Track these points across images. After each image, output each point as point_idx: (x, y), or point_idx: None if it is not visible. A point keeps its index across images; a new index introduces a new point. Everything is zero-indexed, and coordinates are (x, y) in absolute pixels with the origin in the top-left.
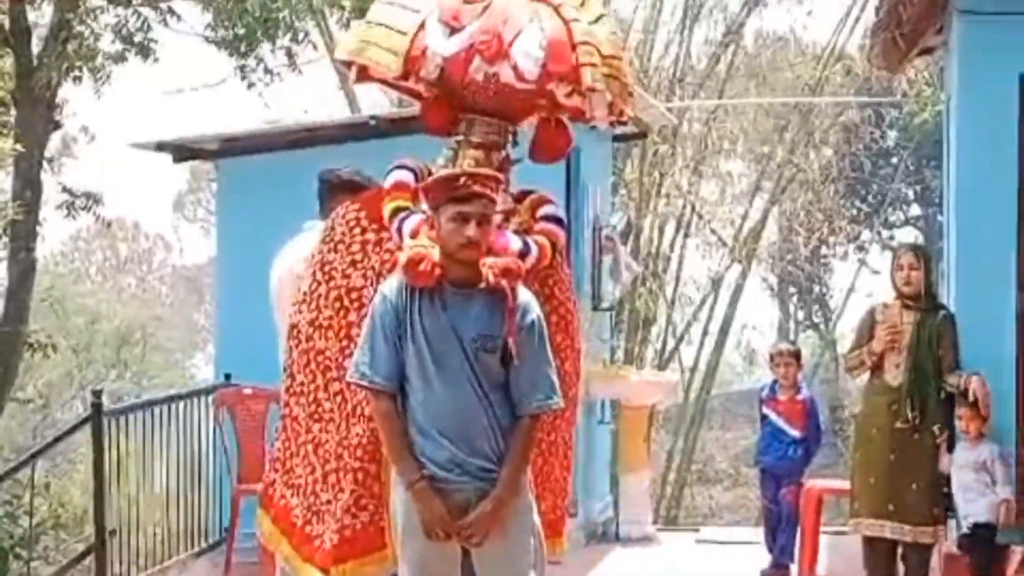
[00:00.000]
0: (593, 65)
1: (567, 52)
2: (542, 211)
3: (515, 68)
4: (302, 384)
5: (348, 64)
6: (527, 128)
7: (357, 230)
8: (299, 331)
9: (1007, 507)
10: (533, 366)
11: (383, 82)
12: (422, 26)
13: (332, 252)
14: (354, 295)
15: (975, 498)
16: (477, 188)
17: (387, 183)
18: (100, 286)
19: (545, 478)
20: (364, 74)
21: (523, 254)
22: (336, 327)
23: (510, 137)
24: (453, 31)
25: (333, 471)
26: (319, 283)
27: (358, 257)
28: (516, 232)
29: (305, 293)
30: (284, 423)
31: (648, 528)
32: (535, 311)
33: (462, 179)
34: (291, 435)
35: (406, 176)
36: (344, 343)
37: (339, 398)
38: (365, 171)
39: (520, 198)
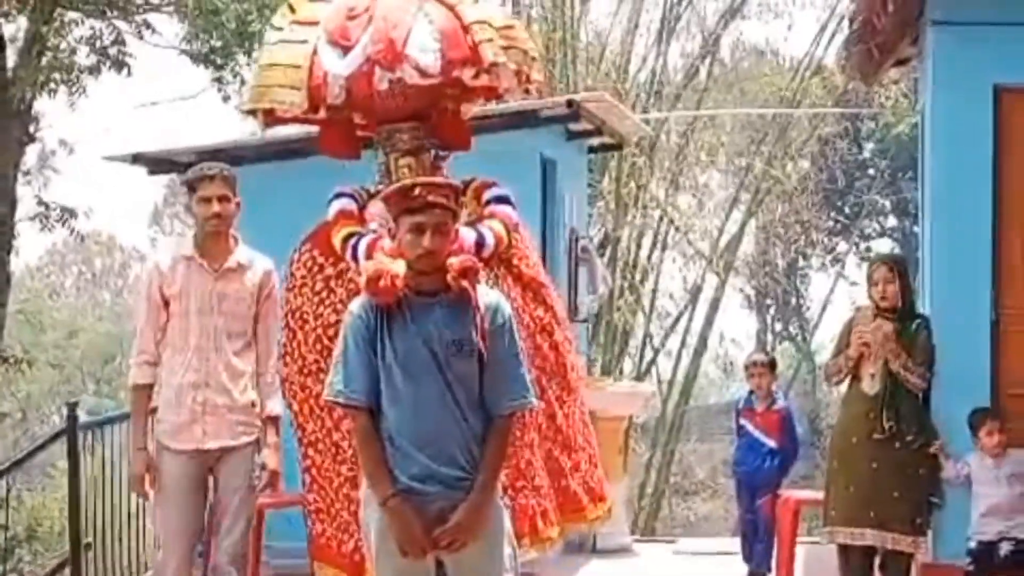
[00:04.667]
0: (490, 41)
1: (461, 36)
2: (488, 195)
3: (416, 67)
4: (315, 433)
5: (253, 113)
6: None
7: (315, 269)
8: (292, 383)
9: None
10: (506, 366)
11: (293, 120)
12: (314, 53)
13: (297, 296)
14: (332, 332)
15: (1017, 509)
16: (431, 198)
17: (330, 214)
18: (76, 300)
19: (572, 449)
20: (271, 118)
21: (479, 244)
22: (325, 368)
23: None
24: (345, 50)
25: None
26: (295, 331)
27: (324, 295)
28: (467, 224)
29: (284, 345)
30: (310, 474)
31: (625, 539)
32: (505, 311)
33: (416, 190)
34: (323, 483)
35: (347, 203)
36: None
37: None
38: (334, 184)
39: (463, 189)
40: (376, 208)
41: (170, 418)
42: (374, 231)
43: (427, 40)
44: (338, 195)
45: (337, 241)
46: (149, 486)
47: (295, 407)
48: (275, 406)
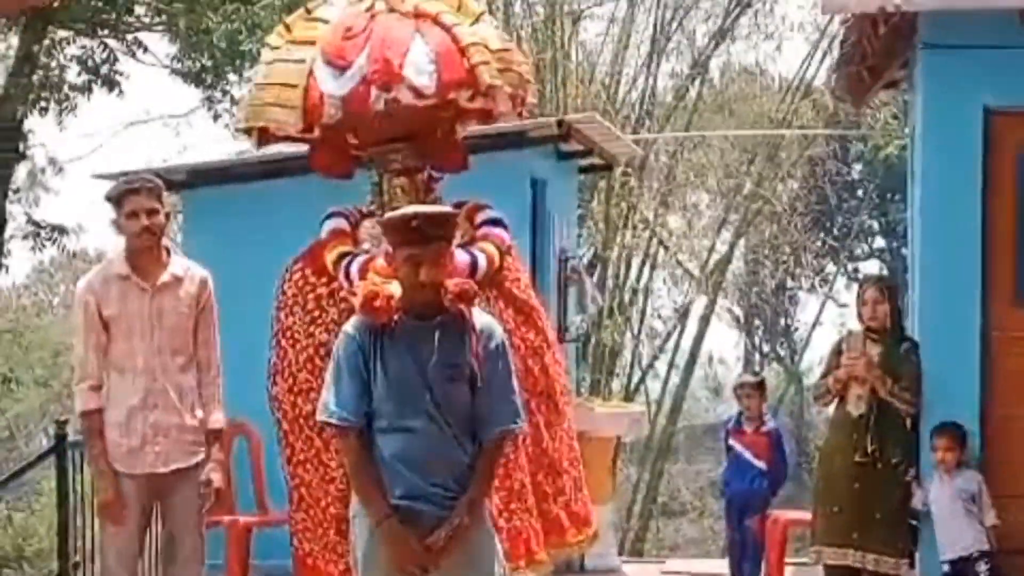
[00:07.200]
0: (486, 63)
1: (457, 58)
2: (480, 217)
3: (412, 88)
4: (303, 452)
5: (248, 131)
6: None
7: (307, 288)
8: (281, 402)
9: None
10: (497, 391)
11: (287, 139)
12: (311, 74)
13: (289, 316)
14: (323, 351)
15: (964, 527)
16: (429, 231)
17: (323, 234)
18: (63, 318)
19: (557, 473)
20: (265, 136)
21: (472, 267)
22: (316, 388)
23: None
24: (342, 70)
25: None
26: (286, 349)
27: (315, 314)
28: (460, 246)
29: (275, 363)
30: (299, 493)
31: (613, 560)
32: (498, 336)
33: (414, 223)
34: (311, 503)
35: (340, 222)
36: None
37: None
38: (326, 203)
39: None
40: (369, 228)
41: (120, 442)
42: (367, 251)
43: (423, 61)
44: (331, 215)
45: (330, 260)
46: (119, 510)
47: (285, 426)
48: (218, 419)
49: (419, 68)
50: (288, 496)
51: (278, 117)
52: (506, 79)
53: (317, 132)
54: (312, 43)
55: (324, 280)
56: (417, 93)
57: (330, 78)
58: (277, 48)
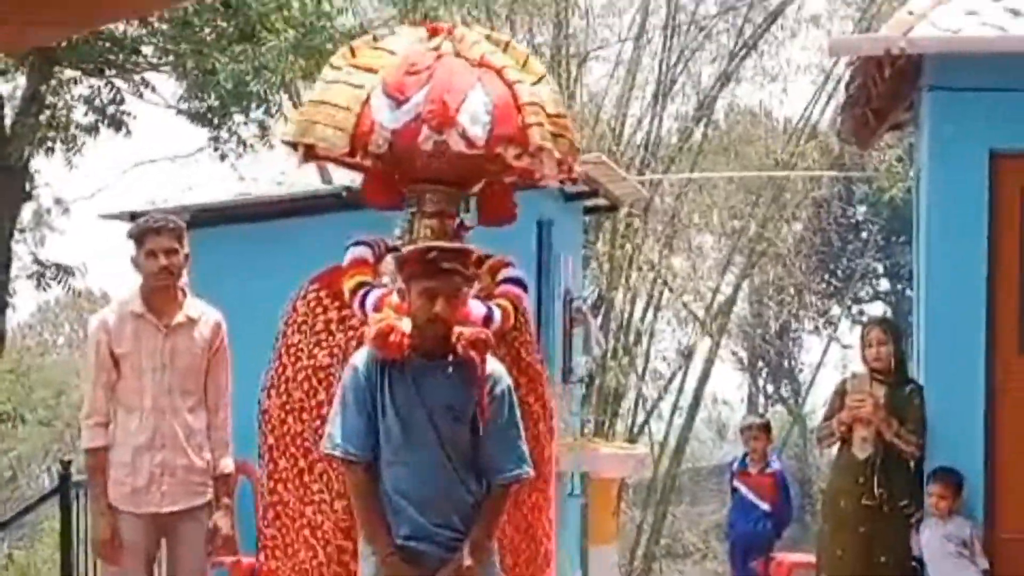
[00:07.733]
0: (540, 125)
1: (513, 114)
2: (503, 274)
3: (463, 134)
4: (285, 470)
5: (294, 145)
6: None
7: (319, 309)
8: (271, 416)
9: None
10: (503, 436)
11: (329, 159)
12: (367, 101)
13: (296, 333)
14: (322, 374)
15: (957, 571)
16: (447, 264)
17: (346, 260)
18: (68, 358)
19: (532, 539)
20: (310, 154)
21: (487, 319)
22: (308, 408)
23: (462, 203)
24: (398, 103)
25: (335, 550)
26: (286, 366)
27: (322, 336)
28: (477, 297)
29: (272, 377)
30: (275, 510)
31: None
32: (505, 381)
33: (431, 254)
34: (286, 521)
35: (364, 252)
36: (317, 423)
37: (325, 477)
38: (331, 244)
39: (479, 263)
40: (391, 263)
41: (125, 481)
42: (385, 285)
43: (480, 111)
44: (357, 243)
45: (347, 287)
46: (115, 549)
47: (271, 440)
48: (227, 464)
49: (474, 117)
50: (263, 512)
51: (326, 137)
52: (557, 144)
53: (361, 159)
54: (374, 71)
55: (337, 304)
56: (468, 141)
57: (386, 109)
58: (338, 69)
